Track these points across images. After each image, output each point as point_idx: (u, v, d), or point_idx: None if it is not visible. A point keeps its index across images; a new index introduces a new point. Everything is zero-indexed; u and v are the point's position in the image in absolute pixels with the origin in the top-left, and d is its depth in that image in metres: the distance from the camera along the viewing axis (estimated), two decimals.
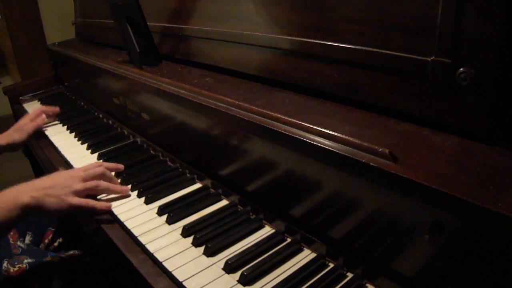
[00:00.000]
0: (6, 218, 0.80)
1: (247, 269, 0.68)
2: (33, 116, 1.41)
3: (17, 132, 1.31)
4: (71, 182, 0.87)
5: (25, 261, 0.97)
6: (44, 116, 1.43)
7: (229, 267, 0.69)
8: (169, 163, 1.08)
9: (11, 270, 0.94)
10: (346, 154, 0.59)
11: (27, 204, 0.82)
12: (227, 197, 0.91)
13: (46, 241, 1.18)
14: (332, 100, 0.77)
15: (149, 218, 0.85)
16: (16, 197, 0.82)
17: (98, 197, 0.94)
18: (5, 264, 0.96)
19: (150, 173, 1.03)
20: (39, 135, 1.41)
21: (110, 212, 0.89)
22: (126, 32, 1.20)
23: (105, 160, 1.11)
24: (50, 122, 1.49)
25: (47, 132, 1.41)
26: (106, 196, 0.95)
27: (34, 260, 0.99)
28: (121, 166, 1.03)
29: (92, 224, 0.91)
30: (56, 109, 1.51)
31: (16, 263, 0.97)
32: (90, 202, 0.88)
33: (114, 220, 0.87)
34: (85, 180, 0.90)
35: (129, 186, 0.97)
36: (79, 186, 0.87)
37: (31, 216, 0.85)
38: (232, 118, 0.79)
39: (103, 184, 0.92)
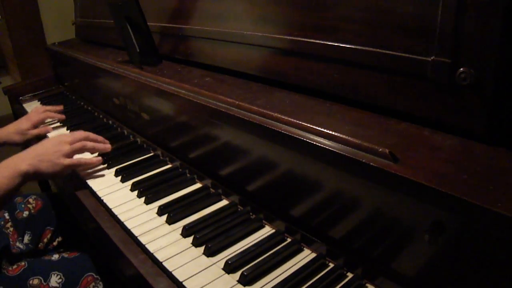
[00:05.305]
0: (10, 186, 0.89)
1: (247, 269, 0.68)
2: (36, 121, 1.37)
3: (17, 135, 1.32)
4: (60, 147, 0.99)
5: (24, 260, 0.98)
6: (50, 127, 1.41)
7: (229, 267, 0.69)
8: (169, 163, 1.08)
9: (10, 269, 0.94)
10: (346, 154, 0.59)
11: (25, 171, 0.91)
12: (227, 197, 0.91)
13: (45, 240, 1.18)
14: (332, 100, 0.77)
15: (149, 218, 0.85)
16: (15, 166, 0.91)
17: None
18: (3, 263, 0.96)
19: (150, 173, 1.03)
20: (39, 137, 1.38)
21: (110, 212, 0.89)
22: (126, 32, 1.20)
23: (105, 161, 1.11)
24: (52, 122, 1.46)
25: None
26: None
27: (33, 259, 0.99)
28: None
29: (91, 224, 0.91)
30: (61, 112, 1.48)
31: (14, 262, 0.97)
32: (80, 159, 1.03)
33: (114, 220, 0.87)
34: (71, 143, 1.02)
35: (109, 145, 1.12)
36: (67, 148, 1.00)
37: (30, 180, 0.94)
38: (232, 118, 0.79)
39: (89, 143, 1.07)
